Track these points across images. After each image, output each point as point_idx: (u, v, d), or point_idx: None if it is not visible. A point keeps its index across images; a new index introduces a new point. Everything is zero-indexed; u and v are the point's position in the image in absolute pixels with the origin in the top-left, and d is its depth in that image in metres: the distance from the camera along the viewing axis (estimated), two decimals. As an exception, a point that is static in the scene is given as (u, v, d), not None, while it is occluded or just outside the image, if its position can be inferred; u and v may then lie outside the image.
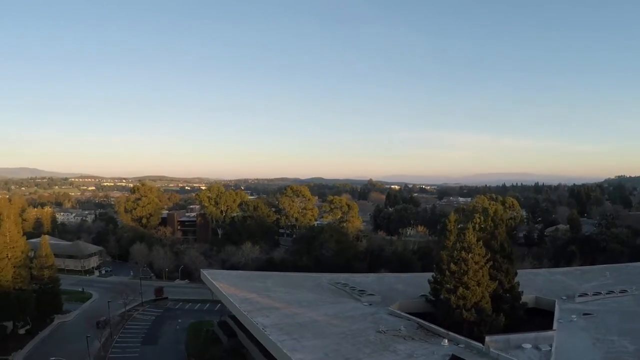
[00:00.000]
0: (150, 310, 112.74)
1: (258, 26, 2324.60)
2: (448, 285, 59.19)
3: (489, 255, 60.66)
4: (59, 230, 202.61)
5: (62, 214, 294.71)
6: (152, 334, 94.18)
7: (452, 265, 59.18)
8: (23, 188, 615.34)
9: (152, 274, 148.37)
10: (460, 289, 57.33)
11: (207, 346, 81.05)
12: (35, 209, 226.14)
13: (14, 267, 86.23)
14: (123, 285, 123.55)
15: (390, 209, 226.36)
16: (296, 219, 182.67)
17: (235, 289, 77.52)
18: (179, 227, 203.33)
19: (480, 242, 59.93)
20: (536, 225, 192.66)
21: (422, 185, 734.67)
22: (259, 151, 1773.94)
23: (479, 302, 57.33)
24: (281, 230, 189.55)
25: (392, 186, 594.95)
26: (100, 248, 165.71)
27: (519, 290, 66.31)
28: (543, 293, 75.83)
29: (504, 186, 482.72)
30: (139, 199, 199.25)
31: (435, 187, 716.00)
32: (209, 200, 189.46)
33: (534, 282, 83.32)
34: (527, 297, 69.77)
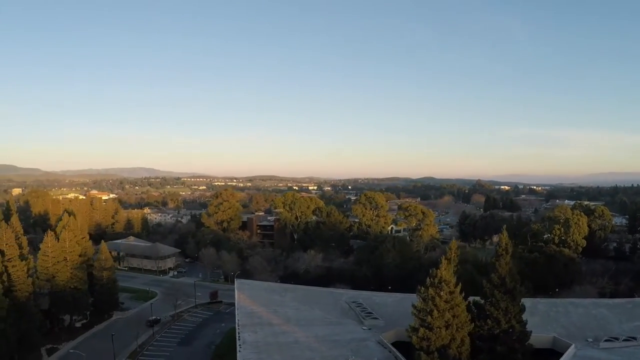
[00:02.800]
0: (201, 312, 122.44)
1: (379, 20, 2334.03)
2: (411, 324, 57.81)
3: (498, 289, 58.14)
4: (148, 231, 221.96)
5: (159, 214, 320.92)
6: (191, 336, 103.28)
7: (419, 302, 57.61)
8: (137, 187, 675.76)
9: (222, 277, 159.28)
10: (422, 330, 55.04)
11: (230, 351, 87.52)
12: (127, 211, 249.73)
13: (72, 268, 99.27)
14: (189, 286, 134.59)
15: (477, 214, 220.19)
16: (368, 226, 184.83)
17: (251, 301, 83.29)
18: (258, 231, 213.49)
19: (454, 278, 57.09)
20: (634, 236, 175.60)
21: (533, 185, 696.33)
22: (371, 151, 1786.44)
23: (448, 345, 54.88)
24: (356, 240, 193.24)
25: (503, 187, 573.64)
26: (177, 250, 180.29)
27: (525, 329, 61.86)
28: (569, 332, 71.12)
29: (615, 188, 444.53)
30: (221, 203, 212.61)
31: (548, 187, 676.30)
32: (283, 206, 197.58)
33: (567, 316, 77.96)
34: (543, 338, 66.75)
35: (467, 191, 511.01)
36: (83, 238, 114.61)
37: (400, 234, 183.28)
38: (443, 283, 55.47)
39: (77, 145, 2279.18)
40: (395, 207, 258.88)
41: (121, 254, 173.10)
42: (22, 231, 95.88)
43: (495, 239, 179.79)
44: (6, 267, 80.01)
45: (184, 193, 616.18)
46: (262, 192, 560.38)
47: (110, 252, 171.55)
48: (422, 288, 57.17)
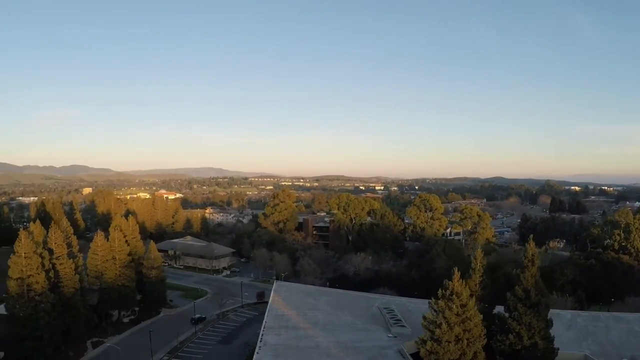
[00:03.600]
0: (246, 312, 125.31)
1: (444, 19, 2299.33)
2: (421, 336, 56.36)
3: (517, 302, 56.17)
4: (207, 230, 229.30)
5: (221, 214, 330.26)
6: (232, 335, 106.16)
7: (429, 313, 56.19)
8: (204, 187, 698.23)
9: (274, 278, 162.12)
10: (429, 343, 53.60)
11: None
12: (187, 211, 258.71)
13: (120, 267, 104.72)
14: (240, 286, 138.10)
15: (538, 217, 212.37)
16: (422, 229, 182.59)
17: (284, 304, 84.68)
18: (314, 232, 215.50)
19: (466, 290, 54.76)
20: None
21: (605, 186, 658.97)
22: (440, 150, 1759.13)
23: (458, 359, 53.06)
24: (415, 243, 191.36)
25: (573, 187, 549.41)
26: (231, 250, 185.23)
27: (552, 346, 59.12)
28: (604, 350, 67.33)
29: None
30: (277, 204, 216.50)
31: (620, 188, 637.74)
32: (338, 207, 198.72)
33: (607, 332, 73.24)
34: (572, 356, 63.73)
35: (535, 192, 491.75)
36: (134, 238, 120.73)
37: (452, 238, 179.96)
38: (454, 295, 53.55)
39: (147, 145, 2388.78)
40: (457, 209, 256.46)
41: (177, 253, 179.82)
42: (72, 231, 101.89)
43: (552, 243, 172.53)
44: (54, 264, 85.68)
45: (251, 193, 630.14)
46: (327, 192, 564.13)
47: (167, 251, 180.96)
48: (434, 299, 55.80)
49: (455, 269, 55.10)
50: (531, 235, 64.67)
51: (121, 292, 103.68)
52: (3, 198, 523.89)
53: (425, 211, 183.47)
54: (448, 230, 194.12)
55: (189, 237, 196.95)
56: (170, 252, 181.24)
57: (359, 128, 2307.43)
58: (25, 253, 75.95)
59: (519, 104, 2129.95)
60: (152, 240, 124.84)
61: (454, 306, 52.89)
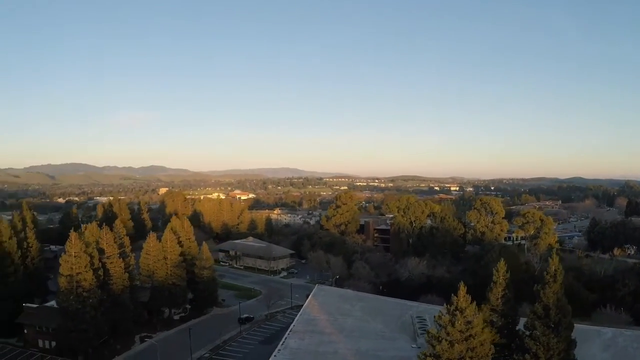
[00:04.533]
0: (294, 314, 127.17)
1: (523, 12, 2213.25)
2: (424, 351, 54.81)
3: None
4: (271, 231, 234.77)
5: (289, 215, 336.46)
6: (275, 336, 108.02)
7: (432, 328, 54.97)
8: (279, 187, 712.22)
9: (331, 280, 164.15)
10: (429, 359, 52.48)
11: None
12: (252, 212, 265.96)
13: (171, 267, 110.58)
14: (295, 288, 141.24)
15: (609, 221, 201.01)
16: (482, 234, 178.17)
17: (318, 308, 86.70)
18: (375, 235, 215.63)
19: (472, 306, 52.39)
20: None
21: None
22: (518, 149, 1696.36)
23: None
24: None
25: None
26: (290, 251, 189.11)
27: None
28: None
29: None
30: (339, 206, 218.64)
31: None
32: (397, 210, 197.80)
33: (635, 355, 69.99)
34: None
35: (613, 193, 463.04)
36: (188, 239, 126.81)
37: (519, 243, 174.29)
38: (458, 312, 51.84)
39: (224, 146, 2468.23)
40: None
41: (238, 253, 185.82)
42: (124, 232, 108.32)
43: (619, 250, 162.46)
44: (104, 263, 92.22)
45: (324, 193, 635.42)
46: (401, 193, 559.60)
47: (228, 251, 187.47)
48: (440, 314, 54.59)
49: (461, 283, 53.60)
50: (555, 249, 62.12)
51: (171, 291, 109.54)
52: (82, 197, 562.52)
53: (486, 215, 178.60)
54: (514, 235, 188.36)
55: (250, 238, 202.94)
56: (231, 253, 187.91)
57: (434, 128, 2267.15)
58: (75, 252, 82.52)
59: (603, 98, 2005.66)
60: (204, 242, 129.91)
61: (457, 323, 51.30)
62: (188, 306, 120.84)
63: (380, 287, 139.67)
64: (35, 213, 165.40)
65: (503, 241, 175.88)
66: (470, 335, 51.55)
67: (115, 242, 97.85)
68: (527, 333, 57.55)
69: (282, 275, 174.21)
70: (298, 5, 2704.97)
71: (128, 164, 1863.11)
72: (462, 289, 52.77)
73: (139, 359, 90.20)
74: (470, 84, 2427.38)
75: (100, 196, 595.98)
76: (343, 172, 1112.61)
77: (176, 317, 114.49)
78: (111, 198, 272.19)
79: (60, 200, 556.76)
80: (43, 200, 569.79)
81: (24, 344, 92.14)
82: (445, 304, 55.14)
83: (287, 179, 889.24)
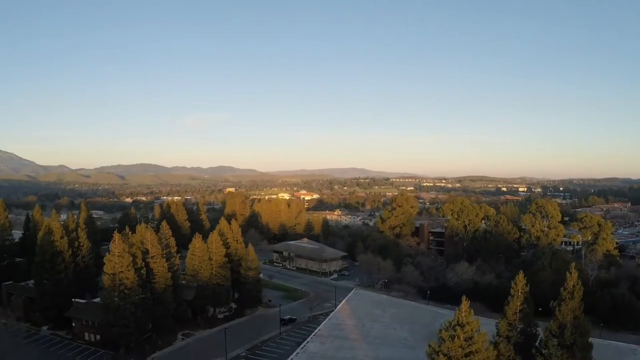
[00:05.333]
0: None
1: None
2: None
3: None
4: (328, 232, 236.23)
5: (349, 216, 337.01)
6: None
7: (433, 341, 52.54)
8: (345, 187, 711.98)
9: (381, 283, 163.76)
10: None
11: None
12: (309, 214, 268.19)
13: (216, 267, 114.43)
14: (344, 290, 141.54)
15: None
16: (537, 238, 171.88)
17: (349, 312, 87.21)
18: (430, 238, 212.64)
19: (475, 322, 50.24)
20: None
21: None
22: (589, 148, 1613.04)
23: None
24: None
25: None
26: (342, 253, 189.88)
27: None
28: None
29: None
30: (394, 208, 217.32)
31: None
32: (451, 213, 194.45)
33: None
34: None
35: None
36: (236, 240, 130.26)
37: (568, 248, 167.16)
38: (458, 327, 50.00)
39: (292, 147, 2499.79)
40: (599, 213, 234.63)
41: (291, 254, 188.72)
42: (170, 233, 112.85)
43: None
44: (148, 263, 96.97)
45: (390, 194, 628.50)
46: (468, 194, 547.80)
47: (282, 252, 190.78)
48: (442, 326, 52.70)
49: (464, 298, 52.03)
50: (573, 264, 58.90)
51: (215, 290, 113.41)
52: (149, 197, 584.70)
53: (542, 219, 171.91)
54: (572, 240, 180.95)
55: (305, 240, 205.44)
56: (285, 254, 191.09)
57: (507, 128, 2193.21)
58: (118, 252, 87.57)
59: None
60: (250, 244, 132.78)
61: (457, 339, 49.50)
62: (234, 305, 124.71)
63: (428, 292, 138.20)
64: (101, 212, 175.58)
65: (560, 246, 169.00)
66: (471, 352, 49.93)
67: (159, 243, 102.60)
68: (542, 351, 55.37)
69: (332, 277, 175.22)
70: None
71: (197, 164, 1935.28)
72: (465, 304, 51.25)
73: (176, 355, 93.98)
74: (545, 84, 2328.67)
75: (167, 196, 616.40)
76: (410, 172, 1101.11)
77: (220, 316, 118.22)
78: (176, 198, 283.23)
79: (128, 199, 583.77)
80: (111, 199, 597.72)
81: (72, 336, 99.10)
82: (455, 312, 53.68)
83: (354, 179, 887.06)
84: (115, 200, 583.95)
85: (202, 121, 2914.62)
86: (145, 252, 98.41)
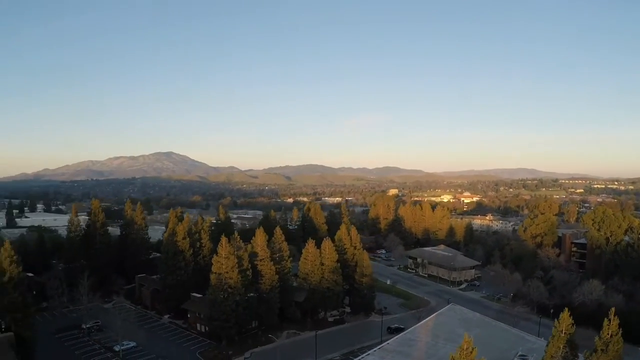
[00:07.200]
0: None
1: None
2: None
3: None
4: (471, 239, 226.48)
5: (500, 222, 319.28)
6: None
7: None
8: (511, 189, 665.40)
9: (509, 296, 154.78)
10: None
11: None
12: (459, 218, 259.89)
13: (327, 272, 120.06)
14: (470, 302, 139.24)
15: None
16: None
17: (429, 329, 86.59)
18: (573, 249, 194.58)
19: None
20: None
21: None
22: None
23: None
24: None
25: None
26: (475, 262, 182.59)
27: None
28: None
29: None
30: (536, 215, 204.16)
31: None
32: (592, 223, 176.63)
33: None
34: None
35: None
36: (354, 246, 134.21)
37: None
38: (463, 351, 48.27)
39: (459, 147, 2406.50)
40: None
41: (424, 261, 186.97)
42: (283, 238, 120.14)
43: None
44: (256, 265, 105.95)
45: (557, 197, 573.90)
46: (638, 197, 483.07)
47: (416, 259, 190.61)
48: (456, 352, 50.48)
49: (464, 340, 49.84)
50: (611, 318, 51.80)
51: (325, 294, 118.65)
52: (310, 198, 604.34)
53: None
54: None
55: (441, 246, 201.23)
56: (418, 260, 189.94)
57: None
58: (225, 254, 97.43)
59: None
60: (365, 251, 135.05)
61: None
62: (347, 310, 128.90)
63: (551, 310, 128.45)
64: (252, 213, 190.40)
65: None
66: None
67: (268, 247, 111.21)
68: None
69: (461, 287, 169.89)
70: None
71: (363, 165, 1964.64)
72: (467, 337, 49.40)
73: (272, 353, 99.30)
74: None
75: (330, 197, 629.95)
76: (581, 173, 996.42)
77: (330, 319, 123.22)
78: (337, 199, 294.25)
79: (290, 200, 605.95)
80: (273, 199, 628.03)
81: (187, 326, 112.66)
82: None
83: (521, 180, 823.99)
84: (278, 200, 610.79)
85: (369, 122, 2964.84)
86: (254, 256, 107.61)
